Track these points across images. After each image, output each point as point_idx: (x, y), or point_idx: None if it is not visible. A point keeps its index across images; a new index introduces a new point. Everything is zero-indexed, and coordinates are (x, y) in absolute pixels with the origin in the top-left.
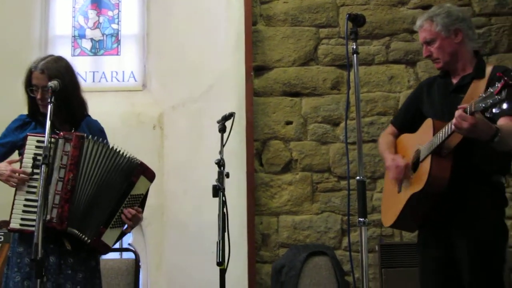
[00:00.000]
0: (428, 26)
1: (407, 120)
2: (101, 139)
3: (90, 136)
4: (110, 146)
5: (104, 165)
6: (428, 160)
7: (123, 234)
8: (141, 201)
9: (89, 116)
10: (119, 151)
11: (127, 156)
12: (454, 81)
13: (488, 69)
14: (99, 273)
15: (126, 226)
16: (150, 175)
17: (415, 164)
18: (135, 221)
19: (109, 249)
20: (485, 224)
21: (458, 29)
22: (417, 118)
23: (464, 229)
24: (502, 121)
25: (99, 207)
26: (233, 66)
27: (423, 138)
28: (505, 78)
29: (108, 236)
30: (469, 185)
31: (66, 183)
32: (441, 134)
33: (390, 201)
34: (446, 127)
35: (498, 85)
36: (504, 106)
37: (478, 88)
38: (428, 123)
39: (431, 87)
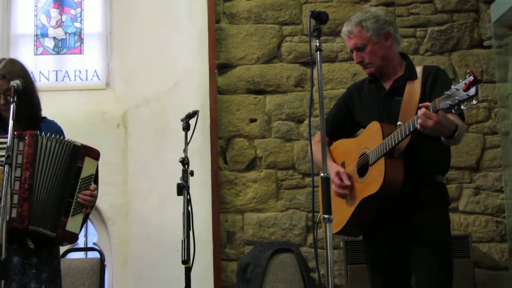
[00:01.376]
0: (358, 32)
1: (337, 126)
2: (53, 134)
3: (43, 133)
4: (62, 139)
5: (57, 159)
6: (382, 162)
7: (86, 217)
8: (94, 180)
9: (46, 118)
10: (63, 140)
11: (69, 142)
12: (386, 84)
13: (418, 70)
14: (60, 272)
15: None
16: (94, 154)
17: (362, 168)
18: (94, 200)
19: (76, 237)
20: (437, 222)
21: (387, 33)
22: (348, 123)
23: (416, 229)
24: (450, 117)
25: (56, 199)
26: (197, 64)
27: (370, 142)
28: (474, 75)
29: (72, 224)
30: (417, 186)
31: (24, 182)
32: (396, 135)
33: (334, 207)
34: (403, 128)
35: (465, 82)
36: (474, 102)
37: (413, 89)
38: (375, 126)
39: (361, 91)
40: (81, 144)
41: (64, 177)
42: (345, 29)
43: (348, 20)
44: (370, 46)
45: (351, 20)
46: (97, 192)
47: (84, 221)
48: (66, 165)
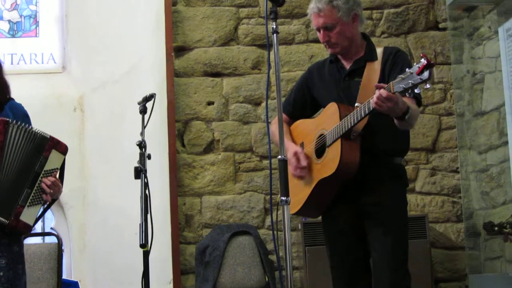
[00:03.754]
0: (329, 11)
1: (297, 106)
2: (23, 123)
3: (14, 121)
4: (31, 129)
5: (24, 148)
6: (338, 144)
7: (44, 210)
8: (59, 175)
9: (13, 99)
10: (33, 129)
11: (37, 133)
12: (346, 65)
13: (379, 51)
14: (23, 257)
15: (46, 202)
16: (62, 149)
17: (320, 149)
18: (55, 190)
19: (30, 228)
20: (394, 203)
21: (356, 14)
22: (309, 103)
23: (374, 208)
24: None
25: (17, 188)
26: (154, 47)
27: (328, 123)
28: (427, 59)
29: (28, 215)
30: (375, 167)
31: None
32: (353, 117)
33: (292, 188)
34: (360, 109)
35: (418, 65)
36: (427, 86)
37: (373, 70)
38: (333, 107)
39: (321, 71)
40: (50, 136)
41: (28, 167)
42: (314, 5)
43: None
44: (339, 26)
45: None
46: (61, 185)
47: (42, 214)
48: (31, 154)
